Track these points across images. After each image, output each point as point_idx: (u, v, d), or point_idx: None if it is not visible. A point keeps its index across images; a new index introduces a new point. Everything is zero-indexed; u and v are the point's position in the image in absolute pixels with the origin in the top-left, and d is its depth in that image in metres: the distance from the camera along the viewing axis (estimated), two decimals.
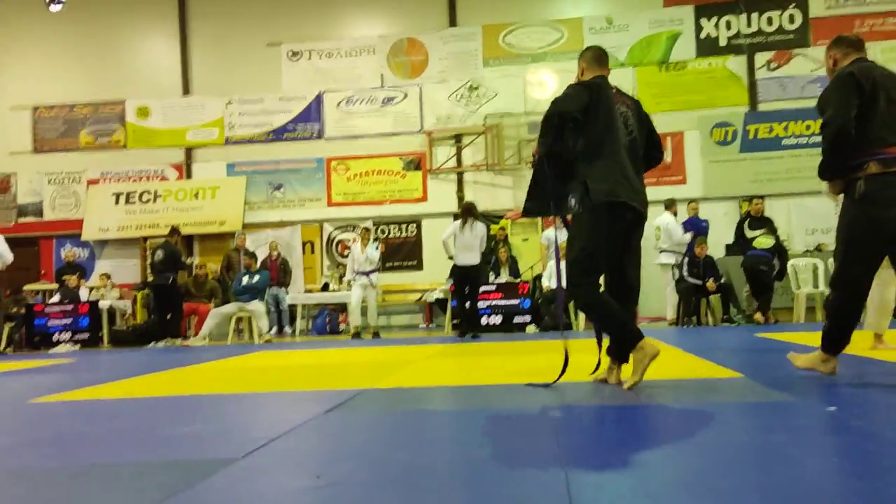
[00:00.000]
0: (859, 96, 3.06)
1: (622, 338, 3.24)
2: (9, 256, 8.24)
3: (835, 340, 3.30)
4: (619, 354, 3.34)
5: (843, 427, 2.32)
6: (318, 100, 12.78)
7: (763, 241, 8.87)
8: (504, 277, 10.16)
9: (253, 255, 10.23)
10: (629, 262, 3.37)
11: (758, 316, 8.66)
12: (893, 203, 3.02)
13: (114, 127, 13.08)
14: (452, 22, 12.65)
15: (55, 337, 9.58)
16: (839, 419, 2.45)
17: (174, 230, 9.91)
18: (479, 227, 8.38)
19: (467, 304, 8.42)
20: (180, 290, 9.65)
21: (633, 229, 3.30)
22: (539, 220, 11.93)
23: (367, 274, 9.37)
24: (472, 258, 8.25)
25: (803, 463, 1.84)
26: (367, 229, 10.14)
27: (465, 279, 8.33)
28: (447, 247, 8.54)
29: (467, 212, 8.41)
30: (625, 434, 2.39)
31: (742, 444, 2.11)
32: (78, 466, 2.13)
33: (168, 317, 9.54)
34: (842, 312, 3.26)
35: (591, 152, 3.23)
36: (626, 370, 3.29)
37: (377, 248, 9.96)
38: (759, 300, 8.80)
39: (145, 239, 12.52)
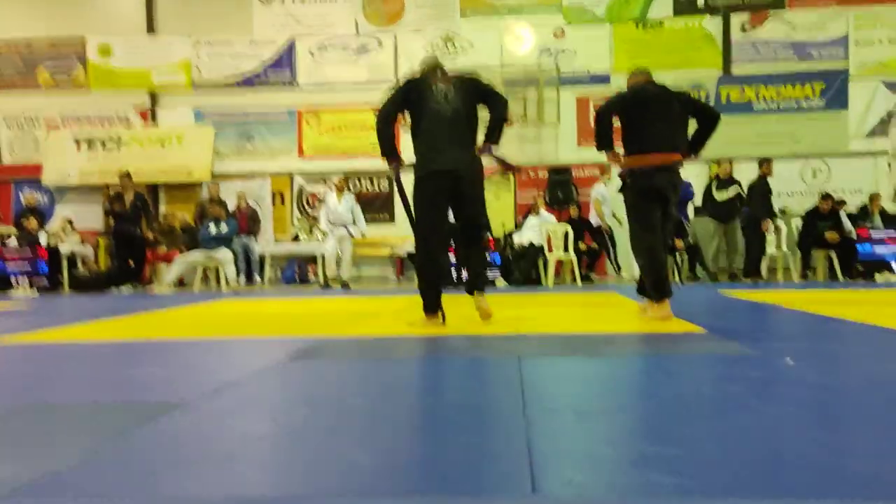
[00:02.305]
0: (619, 107, 4.27)
1: (422, 292, 3.99)
2: None
3: (659, 290, 4.11)
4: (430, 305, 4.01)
5: (801, 380, 2.36)
6: (291, 46, 12.41)
7: (720, 195, 9.10)
8: None
9: (223, 204, 10.03)
10: (466, 208, 3.98)
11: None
12: (645, 187, 4.16)
13: (73, 64, 12.56)
14: None
15: (13, 280, 9.34)
16: (797, 372, 2.49)
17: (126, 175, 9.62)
18: None
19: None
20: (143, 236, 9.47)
21: (456, 185, 3.87)
22: (511, 177, 11.88)
23: (343, 225, 9.24)
24: None
25: (760, 412, 1.86)
26: (344, 179, 9.94)
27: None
28: None
29: None
30: (586, 384, 2.41)
31: (701, 395, 2.13)
32: (26, 406, 2.07)
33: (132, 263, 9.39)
34: (652, 269, 4.16)
35: (413, 135, 3.98)
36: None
37: (354, 198, 9.79)
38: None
39: (108, 186, 12.18)
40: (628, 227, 4.41)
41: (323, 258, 9.50)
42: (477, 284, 4.06)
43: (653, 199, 4.15)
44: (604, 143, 4.28)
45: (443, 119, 3.84)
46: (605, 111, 4.23)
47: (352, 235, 9.28)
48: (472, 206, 3.98)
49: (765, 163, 9.25)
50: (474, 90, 4.01)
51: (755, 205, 8.93)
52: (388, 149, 3.97)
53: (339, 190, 9.39)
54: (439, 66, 4.18)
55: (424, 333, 3.75)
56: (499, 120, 3.99)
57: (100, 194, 12.34)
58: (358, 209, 9.47)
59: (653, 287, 4.15)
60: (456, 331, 3.81)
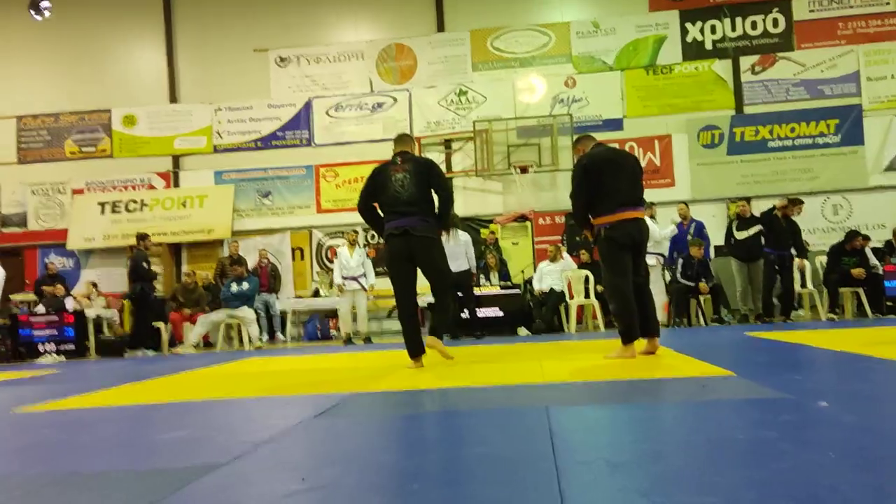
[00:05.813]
0: (587, 178, 4.67)
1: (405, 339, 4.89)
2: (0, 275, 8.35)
3: (628, 335, 4.55)
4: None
5: (836, 422, 2.31)
6: (307, 106, 12.74)
7: (741, 234, 8.99)
8: (494, 282, 10.14)
9: (242, 262, 10.15)
10: (425, 270, 4.80)
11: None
12: (621, 236, 4.61)
13: (99, 136, 12.98)
14: (440, 27, 12.66)
15: (40, 347, 9.45)
16: (832, 414, 2.43)
17: (140, 237, 9.84)
18: (462, 236, 8.64)
19: (463, 308, 8.69)
20: (151, 298, 9.60)
21: (414, 247, 4.70)
22: (529, 225, 11.95)
23: (355, 279, 9.30)
24: (461, 265, 8.45)
25: (797, 457, 1.81)
26: (355, 232, 10.05)
27: (457, 285, 8.37)
28: None
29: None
30: (617, 433, 2.37)
31: (734, 440, 2.08)
32: (59, 474, 2.08)
33: (139, 326, 9.50)
34: (624, 314, 4.58)
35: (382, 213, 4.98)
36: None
37: (366, 253, 9.90)
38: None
39: (132, 248, 12.41)
40: (602, 274, 4.92)
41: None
42: (435, 331, 4.98)
43: (626, 248, 4.63)
44: (586, 223, 4.81)
45: (400, 200, 4.75)
46: (580, 193, 4.70)
47: (364, 288, 9.32)
48: (429, 261, 4.76)
49: (791, 203, 9.13)
50: (427, 174, 4.82)
51: (781, 244, 8.84)
52: (376, 226, 4.98)
53: (352, 244, 9.49)
54: (403, 150, 5.03)
55: (448, 385, 3.73)
56: (443, 211, 4.86)
57: (123, 256, 12.57)
58: (369, 262, 9.57)
59: (623, 330, 4.59)
60: (481, 381, 3.79)
